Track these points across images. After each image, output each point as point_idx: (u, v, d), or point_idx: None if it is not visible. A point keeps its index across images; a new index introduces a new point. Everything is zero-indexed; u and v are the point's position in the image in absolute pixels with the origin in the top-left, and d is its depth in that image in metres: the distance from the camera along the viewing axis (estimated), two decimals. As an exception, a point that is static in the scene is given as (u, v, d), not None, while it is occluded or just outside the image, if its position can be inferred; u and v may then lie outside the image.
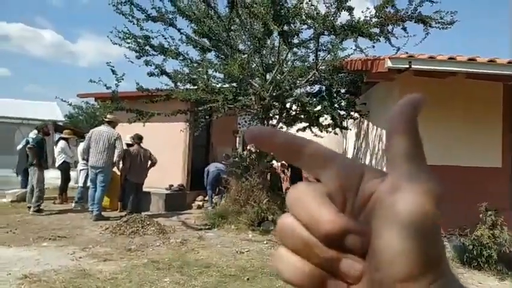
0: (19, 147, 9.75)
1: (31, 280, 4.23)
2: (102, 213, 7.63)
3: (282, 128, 8.46)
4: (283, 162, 10.01)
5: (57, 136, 11.62)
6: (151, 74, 8.05)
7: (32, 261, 4.90)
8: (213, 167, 9.18)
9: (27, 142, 10.20)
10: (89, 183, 8.75)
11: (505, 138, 5.90)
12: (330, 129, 8.37)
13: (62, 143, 9.54)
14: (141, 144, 8.18)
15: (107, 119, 7.91)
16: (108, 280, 4.30)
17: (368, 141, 8.00)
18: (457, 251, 5.31)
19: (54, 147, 10.00)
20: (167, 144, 9.66)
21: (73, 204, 8.86)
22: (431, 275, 0.24)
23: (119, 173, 8.27)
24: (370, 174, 0.27)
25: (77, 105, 25.58)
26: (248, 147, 9.06)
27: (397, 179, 0.25)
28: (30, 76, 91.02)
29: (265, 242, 6.22)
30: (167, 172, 9.46)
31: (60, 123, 20.55)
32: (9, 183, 11.81)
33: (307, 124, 8.47)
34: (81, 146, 8.71)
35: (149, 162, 8.21)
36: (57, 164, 9.48)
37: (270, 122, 8.44)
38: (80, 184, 9.00)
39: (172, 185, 9.67)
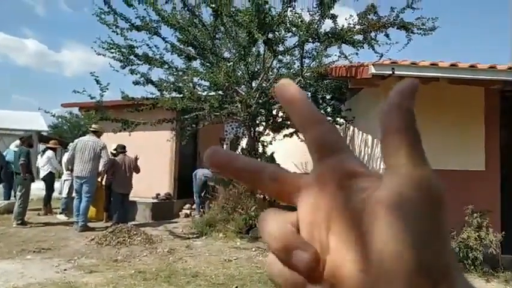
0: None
1: (15, 294, 4.14)
2: (88, 223, 7.52)
3: (268, 134, 8.48)
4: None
5: (41, 146, 11.45)
6: (136, 83, 8.01)
7: (16, 274, 4.79)
8: (200, 173, 9.13)
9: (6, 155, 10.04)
10: (73, 194, 8.65)
11: (488, 142, 6.00)
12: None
13: (49, 153, 9.39)
14: (126, 153, 8.14)
15: (92, 129, 7.83)
16: (94, 292, 4.23)
17: (354, 146, 8.06)
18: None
19: (40, 157, 9.82)
20: (154, 153, 9.59)
21: (57, 215, 8.73)
22: (431, 280, 0.21)
23: (104, 183, 8.17)
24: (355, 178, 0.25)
25: (61, 116, 25.35)
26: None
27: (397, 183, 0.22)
28: (14, 86, 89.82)
29: (253, 249, 6.19)
30: (154, 181, 9.38)
31: (45, 133, 20.29)
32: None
33: (294, 130, 8.51)
34: (66, 156, 8.59)
35: (138, 169, 8.15)
36: (42, 175, 9.31)
37: (257, 129, 8.45)
38: (64, 195, 8.87)
39: (159, 194, 9.59)
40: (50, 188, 9.32)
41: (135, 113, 8.34)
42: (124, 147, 8.18)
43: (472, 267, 5.08)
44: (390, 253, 0.21)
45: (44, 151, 9.81)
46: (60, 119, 29.05)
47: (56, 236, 6.92)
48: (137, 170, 8.12)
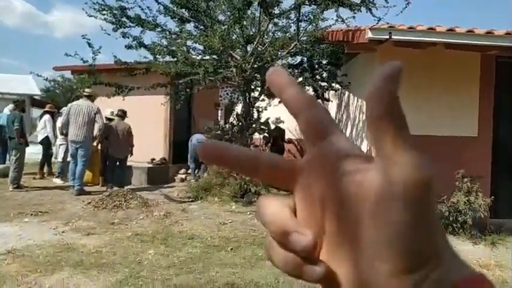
0: None
1: (14, 255, 4.22)
2: (84, 187, 7.58)
3: (263, 100, 8.44)
4: (265, 134, 10.05)
5: (34, 111, 11.34)
6: (129, 47, 7.85)
7: (14, 236, 4.87)
8: (195, 139, 9.15)
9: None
10: (69, 158, 8.67)
11: (481, 108, 6.03)
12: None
13: (46, 117, 9.33)
14: (125, 119, 8.11)
15: (85, 93, 7.74)
16: (92, 254, 4.33)
17: (349, 112, 8.06)
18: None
19: (38, 122, 9.73)
20: (148, 118, 9.56)
21: (53, 179, 8.79)
22: (423, 269, 0.22)
23: (99, 148, 8.19)
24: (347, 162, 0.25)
25: (53, 79, 24.95)
26: (230, 120, 9.04)
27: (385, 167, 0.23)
28: (2, 48, 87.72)
29: (248, 213, 6.31)
30: (149, 146, 9.40)
31: (37, 97, 20.04)
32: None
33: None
34: (60, 120, 8.53)
35: (131, 138, 8.14)
36: (39, 139, 9.30)
37: (252, 94, 8.40)
38: (59, 159, 8.89)
39: (154, 159, 9.64)
40: (46, 152, 9.33)
41: (129, 77, 8.24)
42: (124, 112, 8.13)
43: (461, 230, 5.22)
44: (381, 239, 0.22)
45: (41, 115, 9.75)
46: (52, 83, 28.59)
47: (52, 199, 6.99)
48: (130, 140, 8.12)
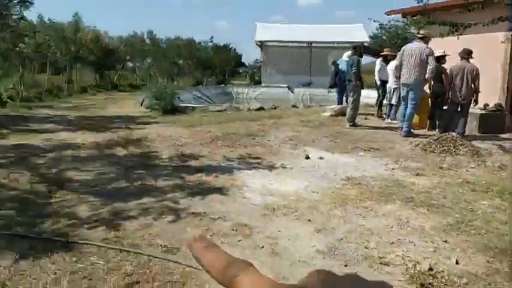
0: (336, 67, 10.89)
1: (352, 182, 4.84)
2: (412, 130, 7.73)
3: None
4: None
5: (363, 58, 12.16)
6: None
7: (352, 166, 5.56)
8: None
9: (334, 63, 11.28)
10: (393, 100, 9.03)
11: None
12: None
13: (378, 60, 10.00)
14: (469, 59, 7.56)
15: (419, 35, 7.64)
16: (421, 193, 4.43)
17: None
18: None
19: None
20: (483, 59, 8.55)
21: (386, 120, 9.40)
22: None
23: (430, 91, 8.06)
24: None
25: (382, 25, 25.81)
26: None
27: None
28: (339, 2, 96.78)
29: None
30: (482, 90, 8.48)
31: (366, 44, 21.44)
32: (327, 100, 13.55)
33: None
34: (392, 63, 8.85)
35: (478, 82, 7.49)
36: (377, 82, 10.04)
37: None
38: (393, 102, 9.34)
39: (487, 105, 8.67)
40: (381, 94, 9.98)
41: (465, 13, 7.51)
42: (470, 52, 7.59)
43: None
44: None
45: (377, 59, 10.41)
46: (379, 29, 29.70)
47: (383, 138, 7.50)
48: (476, 84, 7.48)
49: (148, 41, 30.26)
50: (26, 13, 10.69)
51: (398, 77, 7.84)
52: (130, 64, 31.05)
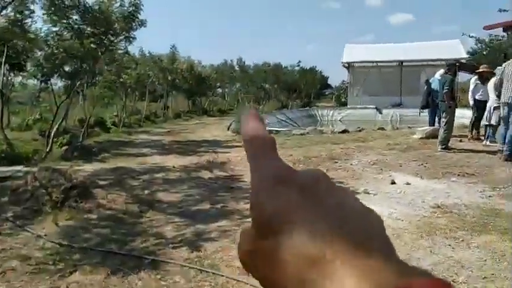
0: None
1: (443, 210, 4.51)
2: (513, 153, 6.99)
3: None
4: None
5: (460, 75, 11.38)
6: None
7: (443, 193, 5.19)
8: None
9: (426, 82, 10.68)
10: (493, 121, 8.25)
11: None
12: None
13: (473, 79, 9.29)
14: None
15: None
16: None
17: None
18: None
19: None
20: None
21: (483, 142, 8.62)
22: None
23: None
24: None
25: (480, 39, 24.03)
26: None
27: None
28: (436, 17, 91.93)
29: None
30: None
31: (463, 61, 20.05)
32: (417, 122, 12.89)
33: None
34: (492, 81, 8.12)
35: None
36: (471, 102, 9.30)
37: None
38: (492, 122, 8.52)
39: None
40: (478, 114, 9.14)
41: None
42: None
43: None
44: None
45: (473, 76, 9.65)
46: (479, 44, 27.60)
47: (479, 162, 6.89)
48: None
49: (237, 67, 31.58)
50: (129, 47, 11.87)
51: (498, 96, 7.21)
52: (220, 90, 32.59)
